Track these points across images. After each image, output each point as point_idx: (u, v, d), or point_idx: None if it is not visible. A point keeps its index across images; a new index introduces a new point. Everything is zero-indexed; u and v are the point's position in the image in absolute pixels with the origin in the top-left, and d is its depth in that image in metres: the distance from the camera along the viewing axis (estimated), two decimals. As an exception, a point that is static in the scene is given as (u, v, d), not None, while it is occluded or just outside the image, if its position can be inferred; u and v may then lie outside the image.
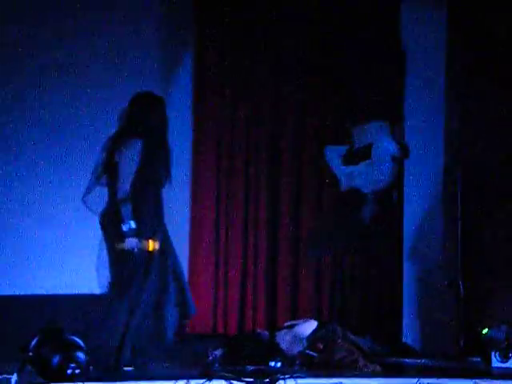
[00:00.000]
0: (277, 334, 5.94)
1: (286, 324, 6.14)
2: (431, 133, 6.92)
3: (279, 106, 7.18)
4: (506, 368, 5.94)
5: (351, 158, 6.87)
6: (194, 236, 7.11)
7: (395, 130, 7.00)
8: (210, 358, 5.19)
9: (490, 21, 6.80)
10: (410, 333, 6.84)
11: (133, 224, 5.24)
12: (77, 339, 4.78)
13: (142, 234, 5.28)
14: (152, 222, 5.37)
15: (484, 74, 6.82)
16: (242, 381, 4.85)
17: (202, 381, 4.78)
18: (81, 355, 4.70)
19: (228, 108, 7.13)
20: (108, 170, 5.40)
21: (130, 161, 5.28)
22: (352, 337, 5.84)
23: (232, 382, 4.85)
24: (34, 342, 4.74)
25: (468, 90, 6.88)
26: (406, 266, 6.85)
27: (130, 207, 5.24)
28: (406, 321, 6.91)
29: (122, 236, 5.24)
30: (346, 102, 7.00)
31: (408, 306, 6.92)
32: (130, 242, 5.26)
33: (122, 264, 5.31)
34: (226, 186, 7.13)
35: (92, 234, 6.16)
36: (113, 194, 5.35)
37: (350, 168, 6.86)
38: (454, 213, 6.72)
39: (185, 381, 4.73)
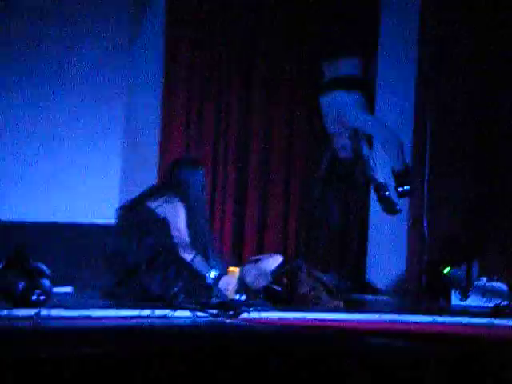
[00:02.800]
0: (242, 267, 5.97)
1: (251, 258, 6.18)
2: (403, 72, 6.92)
3: (254, 46, 7.14)
4: (465, 306, 6.08)
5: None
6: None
7: (369, 67, 6.93)
8: (176, 288, 5.22)
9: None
10: (373, 271, 6.94)
11: (213, 272, 5.34)
12: (42, 266, 4.79)
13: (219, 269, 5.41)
14: (212, 255, 5.51)
15: (459, 17, 6.80)
16: (207, 312, 4.90)
17: (166, 311, 4.82)
18: (46, 282, 4.71)
19: (200, 53, 7.06)
20: (157, 225, 5.46)
21: (175, 216, 5.40)
22: (316, 273, 5.89)
23: (196, 313, 4.89)
24: (-2, 268, 4.74)
25: (442, 32, 6.86)
26: (372, 205, 6.91)
27: (199, 258, 5.35)
28: (369, 259, 7.00)
29: (209, 286, 5.34)
30: (318, 36, 6.94)
31: (372, 244, 7.00)
32: (222, 286, 5.36)
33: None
34: (196, 132, 7.09)
35: (60, 160, 6.17)
36: (174, 249, 5.40)
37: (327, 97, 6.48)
38: (423, 156, 6.76)
39: (150, 311, 4.76)
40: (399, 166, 5.79)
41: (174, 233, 5.41)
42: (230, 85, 7.15)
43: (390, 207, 5.94)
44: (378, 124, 5.96)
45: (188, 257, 5.38)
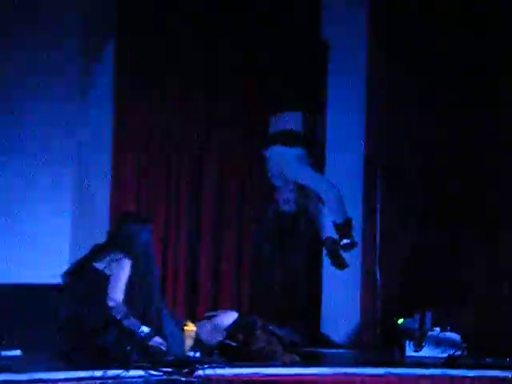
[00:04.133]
0: (197, 324, 5.94)
1: (206, 314, 6.16)
2: (352, 126, 7.02)
3: (210, 110, 7.17)
4: (419, 357, 6.09)
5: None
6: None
7: (317, 121, 7.02)
8: (128, 347, 5.16)
9: (410, 18, 6.95)
10: (328, 323, 6.94)
11: (145, 329, 5.24)
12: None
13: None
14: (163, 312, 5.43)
15: (406, 68, 6.96)
16: (161, 371, 4.85)
17: (119, 371, 4.76)
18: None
19: (149, 106, 7.09)
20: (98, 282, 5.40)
21: (118, 273, 5.35)
22: (271, 327, 5.89)
23: (150, 372, 4.84)
24: None
25: (390, 84, 7.00)
26: (325, 258, 6.92)
27: (131, 319, 5.25)
28: (324, 311, 7.00)
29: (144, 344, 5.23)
30: (265, 91, 7.02)
31: (326, 296, 7.00)
32: (155, 345, 5.25)
33: None
34: (147, 189, 7.10)
35: (12, 220, 6.11)
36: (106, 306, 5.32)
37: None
38: (373, 207, 6.82)
39: (102, 371, 4.70)
40: (340, 219, 5.86)
41: (109, 290, 5.33)
42: (186, 145, 7.17)
43: (337, 262, 5.98)
44: (317, 178, 6.04)
45: (118, 315, 5.28)
